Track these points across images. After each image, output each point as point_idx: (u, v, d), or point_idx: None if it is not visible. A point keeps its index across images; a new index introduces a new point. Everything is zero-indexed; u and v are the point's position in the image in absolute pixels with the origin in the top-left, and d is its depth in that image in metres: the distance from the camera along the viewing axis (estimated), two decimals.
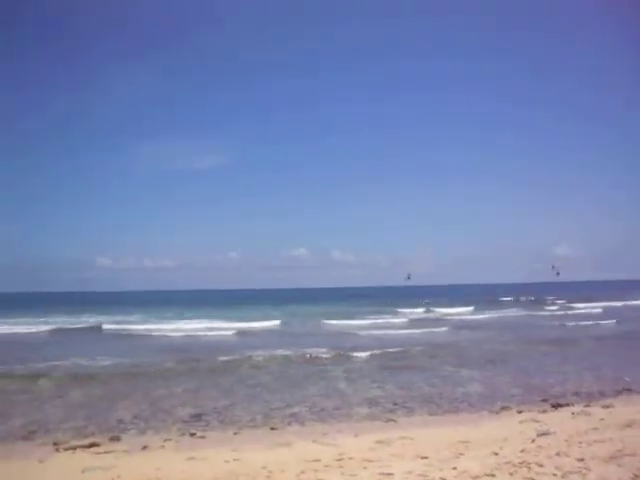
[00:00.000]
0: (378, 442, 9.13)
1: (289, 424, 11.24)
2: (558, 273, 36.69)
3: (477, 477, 6.66)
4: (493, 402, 12.86)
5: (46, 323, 40.07)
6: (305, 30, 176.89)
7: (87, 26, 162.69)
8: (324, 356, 20.89)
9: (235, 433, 10.56)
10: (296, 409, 12.45)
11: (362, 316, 45.21)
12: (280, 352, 22.13)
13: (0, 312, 52.01)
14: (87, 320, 44.71)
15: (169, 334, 33.10)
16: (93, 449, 9.41)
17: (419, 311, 55.25)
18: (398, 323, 41.65)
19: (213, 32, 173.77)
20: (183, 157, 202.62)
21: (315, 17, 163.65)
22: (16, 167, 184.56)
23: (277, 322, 39.78)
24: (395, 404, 12.78)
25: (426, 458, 7.81)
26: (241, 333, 33.13)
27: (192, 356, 21.21)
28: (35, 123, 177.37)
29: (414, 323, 40.26)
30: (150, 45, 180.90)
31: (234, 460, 8.16)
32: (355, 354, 21.16)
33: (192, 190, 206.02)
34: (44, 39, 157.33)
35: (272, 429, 10.84)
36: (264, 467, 7.55)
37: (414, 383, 15.31)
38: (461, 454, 8.03)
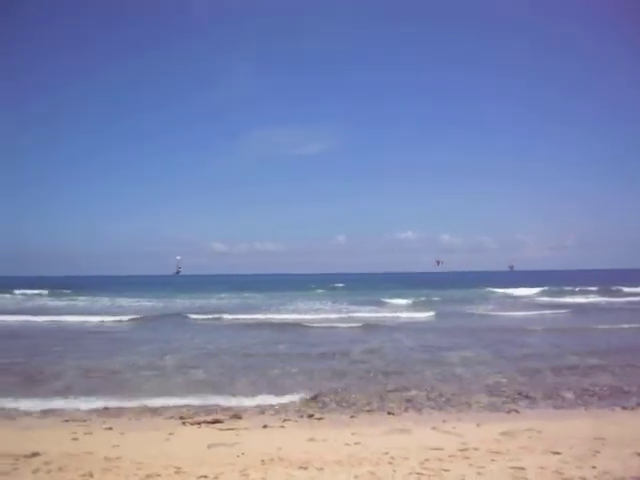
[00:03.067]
0: (503, 433, 8.65)
1: (406, 410, 11.00)
2: None
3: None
4: (628, 397, 11.76)
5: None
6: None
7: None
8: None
9: (352, 416, 10.51)
10: (413, 393, 12.18)
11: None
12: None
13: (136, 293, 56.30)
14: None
15: (309, 324, 27.56)
16: (217, 425, 9.78)
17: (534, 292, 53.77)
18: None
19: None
20: (290, 143, 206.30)
21: None
22: (144, 153, 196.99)
23: (431, 313, 32.92)
24: (519, 393, 12.09)
25: (559, 454, 7.27)
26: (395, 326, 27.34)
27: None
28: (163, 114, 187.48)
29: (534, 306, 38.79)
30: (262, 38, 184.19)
31: (355, 444, 8.07)
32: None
33: (298, 175, 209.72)
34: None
35: (389, 414, 10.67)
36: (386, 453, 7.39)
37: (537, 372, 14.43)
38: (597, 452, 7.39)
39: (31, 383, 13.32)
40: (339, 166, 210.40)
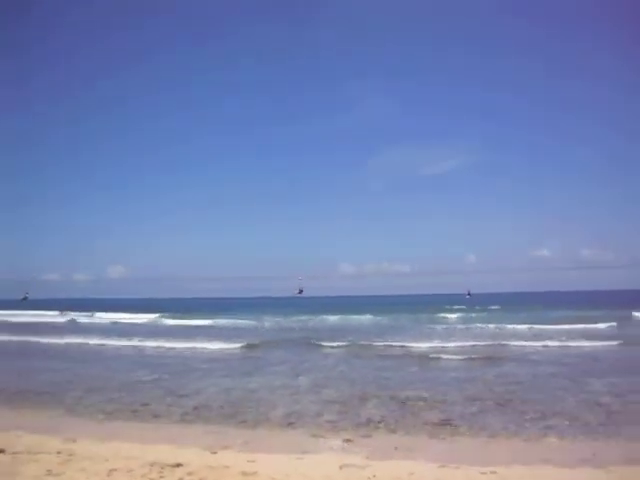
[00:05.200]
0: None
1: (545, 436, 10.23)
2: None
3: None
4: None
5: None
6: None
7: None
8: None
9: (487, 442, 10.00)
10: (552, 421, 11.29)
11: None
12: None
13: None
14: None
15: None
16: (347, 445, 9.79)
17: None
18: None
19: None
20: (418, 161, 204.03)
21: None
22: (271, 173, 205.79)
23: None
24: None
25: None
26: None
27: None
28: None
29: None
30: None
31: (491, 473, 7.66)
32: None
33: (425, 194, 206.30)
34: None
35: (525, 441, 10.00)
36: None
37: None
38: None
39: (175, 398, 14.31)
40: (468, 184, 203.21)
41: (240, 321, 48.63)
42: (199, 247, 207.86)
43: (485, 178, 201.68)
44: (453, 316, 52.68)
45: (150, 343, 28.53)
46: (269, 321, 49.43)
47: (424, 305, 77.70)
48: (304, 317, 53.06)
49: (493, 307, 66.04)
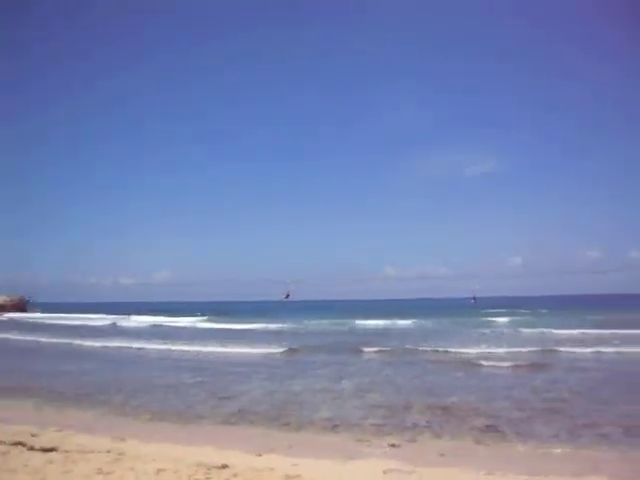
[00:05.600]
0: None
1: (597, 444, 9.87)
2: None
3: None
4: None
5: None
6: None
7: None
8: None
9: (535, 450, 9.71)
10: (605, 430, 10.87)
11: None
12: None
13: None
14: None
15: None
16: (392, 450, 9.68)
17: None
18: None
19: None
20: (454, 165, 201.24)
21: None
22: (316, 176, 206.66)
23: None
24: None
25: None
26: None
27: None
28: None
29: None
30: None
31: None
32: None
33: (469, 196, 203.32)
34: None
35: (576, 449, 9.66)
36: None
37: None
38: None
39: (219, 400, 14.46)
40: (512, 187, 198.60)
41: (281, 325, 48.84)
42: (244, 250, 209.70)
43: (529, 179, 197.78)
44: (499, 320, 51.00)
45: (192, 347, 28.61)
46: (311, 325, 49.59)
47: (460, 309, 76.69)
48: (346, 321, 52.73)
49: (542, 311, 64.40)
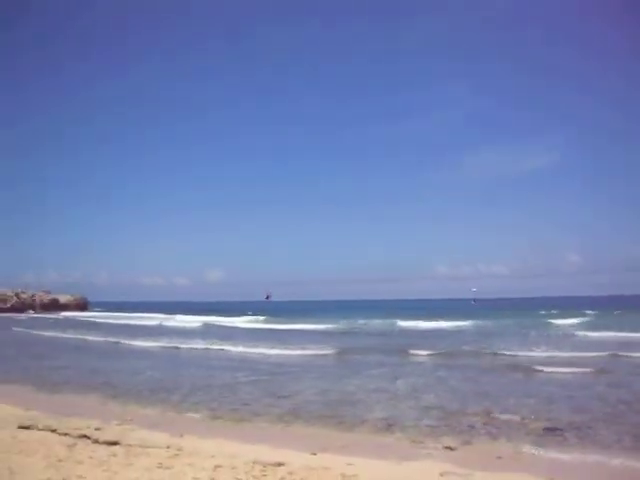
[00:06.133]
0: None
1: None
2: None
3: None
4: None
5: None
6: None
7: None
8: None
9: (598, 455, 9.32)
10: None
11: None
12: None
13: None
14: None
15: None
16: (448, 453, 9.54)
17: None
18: None
19: None
20: (510, 160, 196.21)
21: None
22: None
23: None
24: None
25: None
26: None
27: None
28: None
29: None
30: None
31: None
32: None
33: (525, 192, 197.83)
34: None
35: None
36: None
37: None
38: None
39: (273, 398, 14.63)
40: (567, 181, 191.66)
41: (331, 325, 48.80)
42: (297, 250, 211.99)
43: (584, 175, 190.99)
44: (562, 322, 48.31)
45: (244, 349, 28.48)
46: (363, 325, 49.45)
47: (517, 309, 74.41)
48: (399, 321, 51.86)
49: (616, 313, 60.64)
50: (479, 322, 49.51)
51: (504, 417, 12.16)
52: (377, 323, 51.78)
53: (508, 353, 24.29)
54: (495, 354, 24.21)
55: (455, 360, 23.22)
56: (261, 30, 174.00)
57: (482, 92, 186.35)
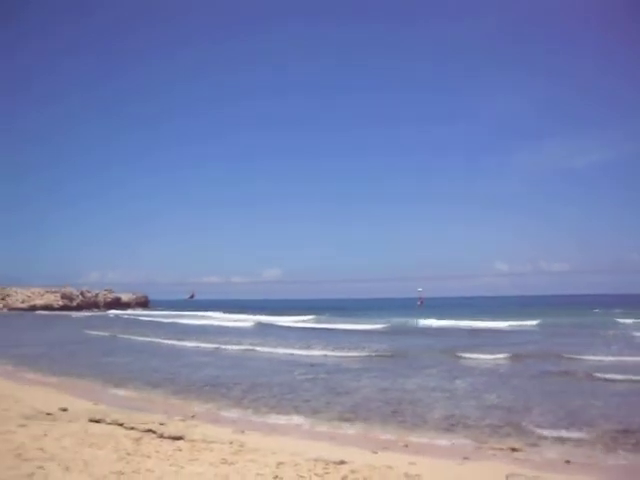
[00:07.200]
0: None
1: None
2: None
3: None
4: None
5: None
6: None
7: None
8: None
9: None
10: None
11: None
12: None
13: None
14: None
15: None
16: (514, 454, 9.28)
17: None
18: None
19: None
20: (563, 156, 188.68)
21: None
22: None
23: None
24: None
25: None
26: None
27: None
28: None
29: None
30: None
31: None
32: None
33: (582, 188, 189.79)
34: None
35: None
36: None
37: None
38: None
39: (333, 396, 14.65)
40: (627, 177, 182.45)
41: (386, 325, 48.05)
42: (352, 247, 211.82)
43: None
44: (627, 321, 44.62)
45: (299, 351, 27.15)
46: (415, 325, 48.57)
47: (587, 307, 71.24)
48: (453, 322, 49.47)
49: None
50: (541, 321, 47.24)
51: (572, 418, 11.76)
52: (430, 322, 50.64)
53: (573, 356, 22.46)
54: (560, 356, 22.56)
55: (516, 361, 22.13)
56: (292, 24, 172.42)
57: (550, 83, 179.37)
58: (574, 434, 10.50)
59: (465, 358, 23.06)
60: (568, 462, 8.84)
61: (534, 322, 46.41)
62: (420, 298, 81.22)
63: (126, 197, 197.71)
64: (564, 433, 10.58)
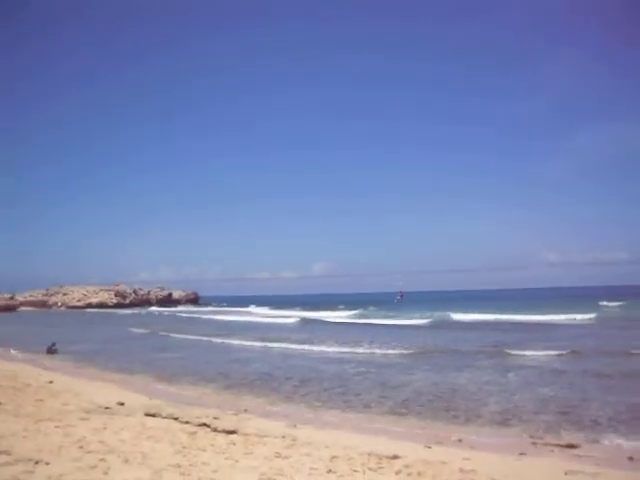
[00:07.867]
0: None
1: None
2: None
3: None
4: None
5: None
6: None
7: None
8: None
9: None
10: None
11: None
12: None
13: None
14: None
15: None
16: (572, 450, 9.01)
17: None
18: None
19: None
20: (619, 140, 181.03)
21: None
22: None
23: None
24: None
25: None
26: None
27: None
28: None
29: None
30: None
31: None
32: None
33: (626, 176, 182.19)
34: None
35: None
36: None
37: None
38: None
39: (384, 390, 14.61)
40: None
41: (425, 320, 47.21)
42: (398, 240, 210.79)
43: None
44: None
45: (346, 348, 26.07)
46: (458, 318, 47.79)
47: None
48: (498, 316, 47.94)
49: None
50: (601, 315, 45.01)
51: (634, 412, 11.33)
52: (476, 317, 49.49)
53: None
54: (627, 353, 20.86)
55: (573, 358, 20.86)
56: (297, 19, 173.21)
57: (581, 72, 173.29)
58: (637, 429, 10.11)
59: (514, 355, 21.86)
60: (631, 459, 8.52)
61: (591, 315, 44.10)
62: (400, 292, 79.67)
63: (175, 199, 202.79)
64: (625, 430, 10.17)
